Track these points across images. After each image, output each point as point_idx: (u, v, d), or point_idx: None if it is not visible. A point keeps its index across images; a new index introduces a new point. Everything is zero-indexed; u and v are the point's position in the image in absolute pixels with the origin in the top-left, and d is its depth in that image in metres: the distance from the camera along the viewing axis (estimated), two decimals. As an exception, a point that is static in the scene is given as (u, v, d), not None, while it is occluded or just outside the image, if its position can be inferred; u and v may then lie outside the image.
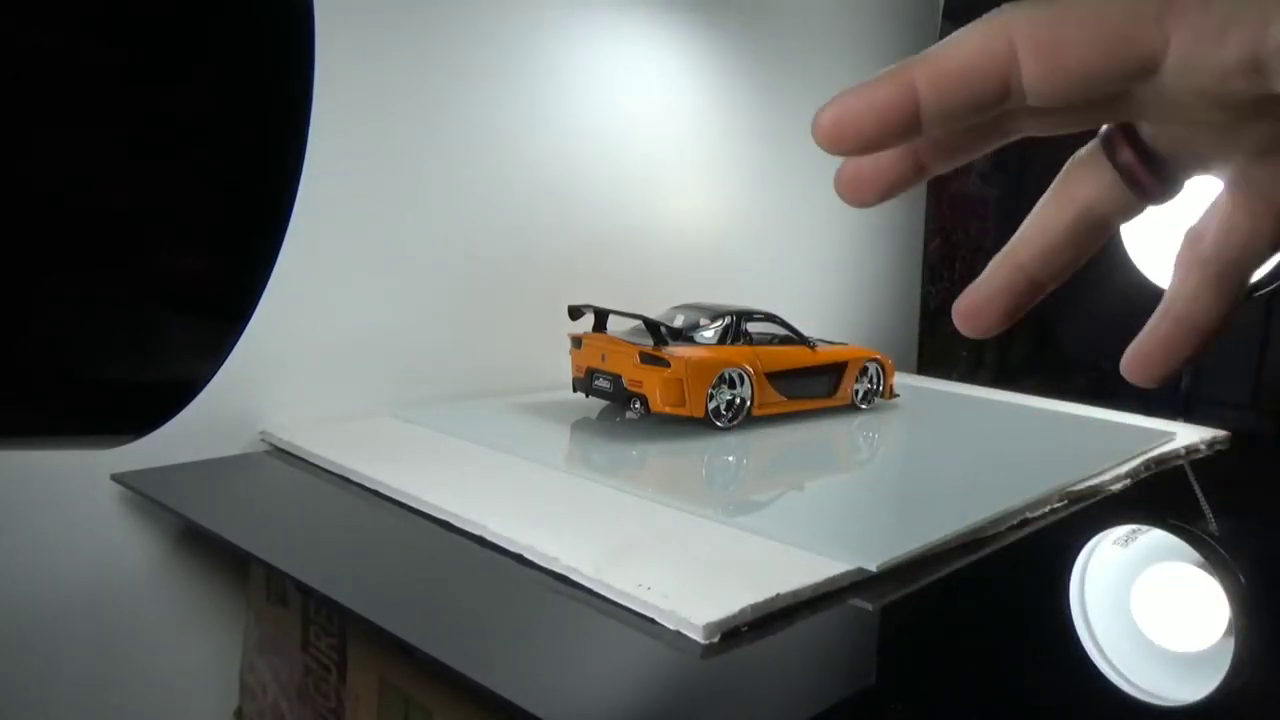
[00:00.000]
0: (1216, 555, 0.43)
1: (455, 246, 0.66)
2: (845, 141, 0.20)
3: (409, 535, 0.41)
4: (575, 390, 0.62)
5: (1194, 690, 0.32)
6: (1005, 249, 0.24)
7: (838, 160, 0.25)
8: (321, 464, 0.49)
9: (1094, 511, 0.50)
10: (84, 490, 0.49)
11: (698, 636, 0.30)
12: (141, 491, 0.45)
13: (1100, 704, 0.30)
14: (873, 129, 0.20)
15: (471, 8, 0.65)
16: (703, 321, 0.61)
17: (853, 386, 0.68)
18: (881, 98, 0.20)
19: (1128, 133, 0.22)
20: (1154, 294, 0.24)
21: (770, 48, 0.90)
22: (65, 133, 0.16)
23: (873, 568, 0.36)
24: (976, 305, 0.25)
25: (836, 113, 0.20)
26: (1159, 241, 0.84)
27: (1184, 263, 0.23)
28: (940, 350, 1.12)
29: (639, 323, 0.59)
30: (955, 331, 0.27)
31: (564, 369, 0.62)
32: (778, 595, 0.32)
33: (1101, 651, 0.33)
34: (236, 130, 0.20)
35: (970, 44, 0.19)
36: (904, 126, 0.20)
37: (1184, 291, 0.23)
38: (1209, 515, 0.52)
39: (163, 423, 0.21)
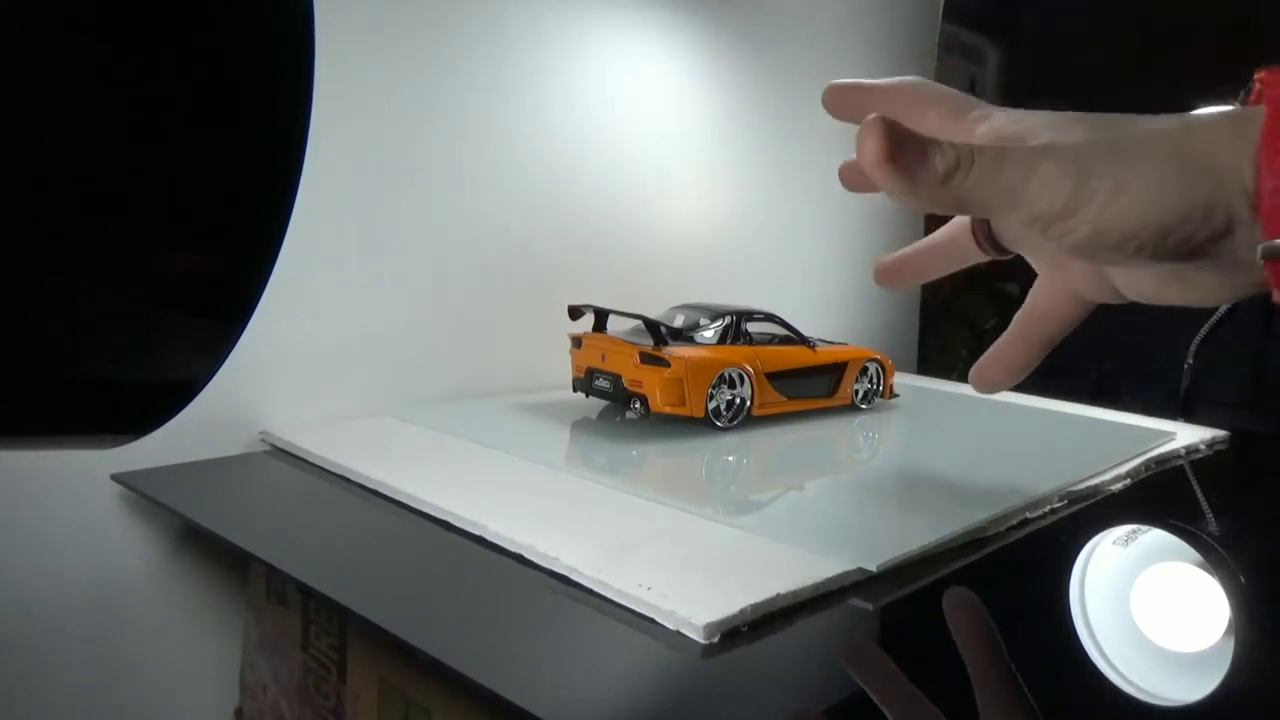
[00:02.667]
0: (1216, 555, 0.43)
1: (455, 246, 0.66)
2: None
3: (409, 535, 0.41)
4: (575, 390, 0.62)
5: (1194, 690, 0.32)
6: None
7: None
8: (321, 464, 0.49)
9: (1094, 511, 0.50)
10: (84, 490, 0.49)
11: (698, 636, 0.30)
12: (141, 491, 0.46)
13: (1100, 704, 0.30)
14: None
15: (471, 7, 0.65)
16: (703, 321, 0.61)
17: (853, 386, 0.68)
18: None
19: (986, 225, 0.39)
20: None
21: (770, 47, 0.90)
22: (64, 133, 0.16)
23: (873, 568, 0.36)
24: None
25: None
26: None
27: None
28: (940, 350, 1.12)
29: (639, 323, 0.59)
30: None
31: (564, 369, 0.62)
32: (778, 595, 0.32)
33: (1101, 651, 0.33)
34: (237, 130, 0.20)
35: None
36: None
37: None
38: (1209, 515, 0.52)
39: (163, 423, 0.21)
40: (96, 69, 0.16)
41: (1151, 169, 0.27)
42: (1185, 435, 0.68)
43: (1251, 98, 0.28)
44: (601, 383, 0.59)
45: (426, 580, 0.37)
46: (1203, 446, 0.68)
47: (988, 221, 0.38)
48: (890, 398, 0.71)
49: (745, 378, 0.59)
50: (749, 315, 0.62)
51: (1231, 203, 0.26)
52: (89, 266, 0.18)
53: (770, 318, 0.64)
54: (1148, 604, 0.38)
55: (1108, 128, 0.29)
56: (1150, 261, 0.28)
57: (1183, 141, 0.27)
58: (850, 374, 0.68)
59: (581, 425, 0.61)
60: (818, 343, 0.66)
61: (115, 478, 0.47)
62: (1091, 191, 0.27)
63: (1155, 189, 0.27)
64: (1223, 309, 0.84)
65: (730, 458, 0.55)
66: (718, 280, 0.86)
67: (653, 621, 0.31)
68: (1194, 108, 0.89)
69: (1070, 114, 0.30)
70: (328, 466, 0.49)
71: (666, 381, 0.55)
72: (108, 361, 0.20)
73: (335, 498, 0.45)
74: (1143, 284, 0.34)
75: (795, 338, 0.65)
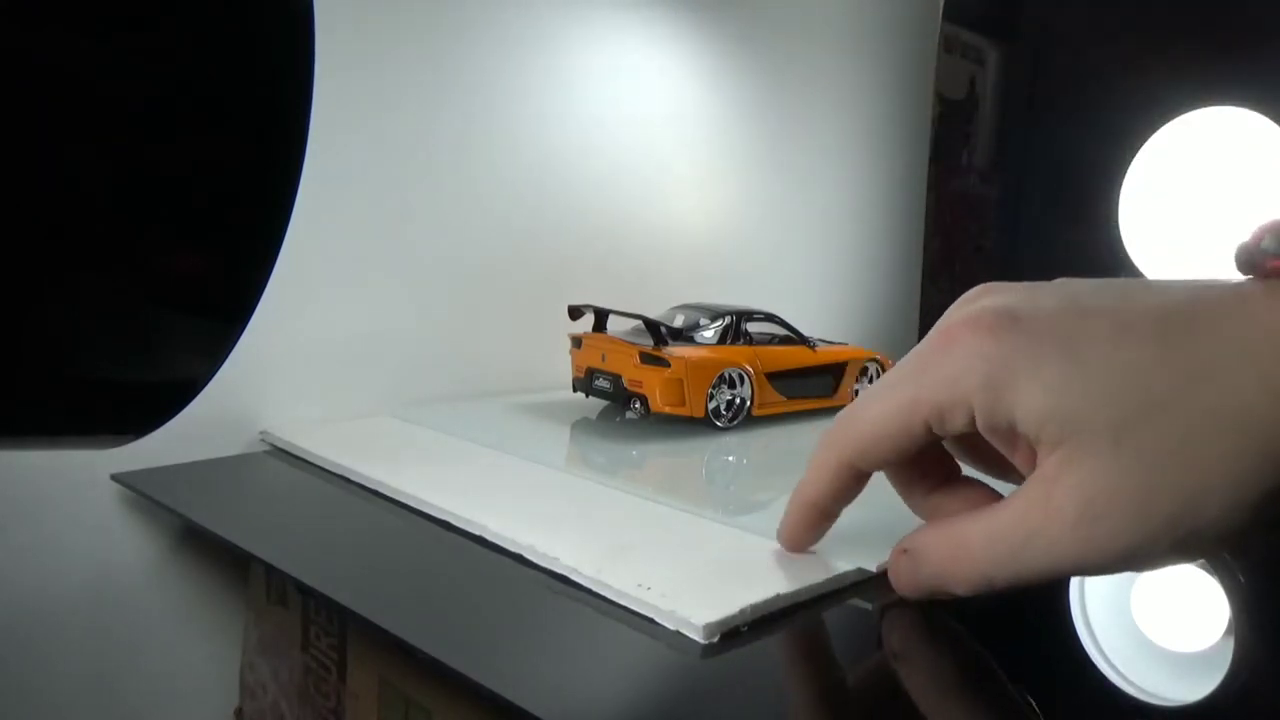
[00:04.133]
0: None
1: (455, 246, 0.66)
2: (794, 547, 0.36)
3: (409, 535, 0.41)
4: (575, 390, 0.62)
5: (1194, 690, 0.32)
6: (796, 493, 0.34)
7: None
8: (321, 464, 0.49)
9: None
10: (84, 490, 0.49)
11: (697, 636, 0.30)
12: (141, 491, 0.46)
13: (1100, 704, 0.30)
14: (801, 540, 0.36)
15: (471, 8, 0.65)
16: (703, 321, 0.61)
17: (853, 386, 0.68)
18: (794, 521, 0.35)
19: None
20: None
21: (771, 48, 0.90)
22: (64, 133, 0.16)
23: (872, 568, 0.36)
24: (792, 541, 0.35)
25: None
26: (1159, 243, 0.84)
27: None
28: (940, 350, 1.11)
29: (639, 323, 0.59)
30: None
31: (564, 369, 0.62)
32: (778, 595, 0.32)
33: (1101, 651, 0.33)
34: (236, 130, 0.20)
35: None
36: (821, 523, 0.35)
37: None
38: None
39: (163, 423, 0.21)
40: (96, 69, 0.16)
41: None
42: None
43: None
44: (601, 383, 0.59)
45: (426, 580, 0.37)
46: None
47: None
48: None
49: (745, 378, 0.59)
50: (749, 315, 0.62)
51: None
52: (89, 266, 0.18)
53: (770, 318, 0.64)
54: (1148, 604, 0.38)
55: None
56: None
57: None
58: (850, 374, 0.68)
59: (581, 425, 0.61)
60: (818, 343, 0.66)
61: (115, 478, 0.47)
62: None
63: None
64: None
65: (730, 458, 0.55)
66: (718, 280, 0.86)
67: (653, 621, 0.31)
68: (1193, 107, 0.88)
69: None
70: (328, 466, 0.49)
71: (666, 381, 0.55)
72: (108, 361, 0.20)
73: (335, 498, 0.45)
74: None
75: (795, 338, 0.65)
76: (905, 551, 0.32)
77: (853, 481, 0.32)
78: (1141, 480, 0.24)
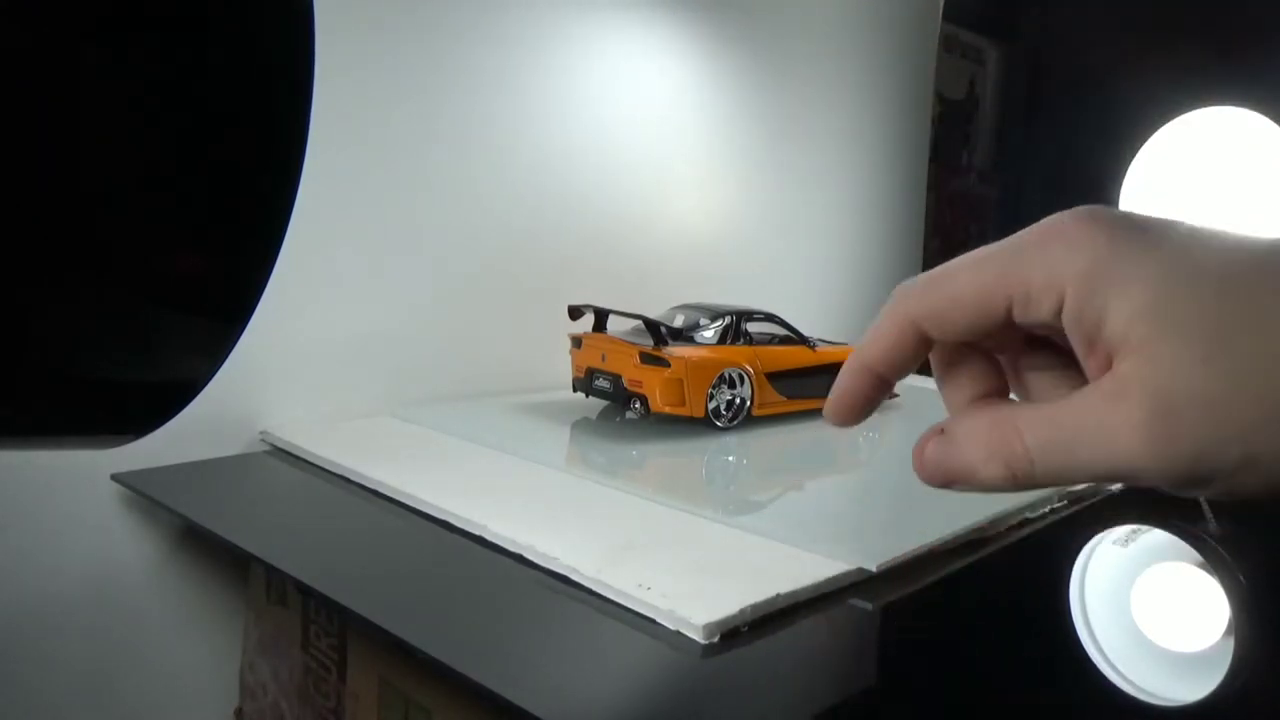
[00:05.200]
0: (1216, 555, 0.43)
1: (455, 247, 0.66)
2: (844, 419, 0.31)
3: (409, 535, 0.41)
4: (575, 390, 0.62)
5: (1194, 690, 0.32)
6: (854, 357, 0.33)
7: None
8: (321, 464, 0.49)
9: (1094, 511, 0.50)
10: (84, 490, 0.49)
11: (697, 636, 0.30)
12: (141, 491, 0.46)
13: (1100, 704, 0.30)
14: (851, 410, 0.30)
15: (471, 9, 0.65)
16: (703, 321, 0.61)
17: (853, 386, 0.68)
18: (847, 387, 0.30)
19: None
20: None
21: (771, 48, 0.90)
22: (64, 134, 0.16)
23: (873, 568, 0.36)
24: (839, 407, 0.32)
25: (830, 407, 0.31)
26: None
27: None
28: (940, 350, 1.11)
29: (639, 323, 0.59)
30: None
31: (564, 369, 0.62)
32: (778, 595, 0.32)
33: (1101, 651, 0.33)
34: (236, 132, 0.20)
35: (886, 330, 0.29)
36: (875, 393, 0.30)
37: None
38: (1209, 515, 0.52)
39: (163, 423, 0.22)
40: (96, 71, 0.16)
41: None
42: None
43: None
44: (601, 383, 0.59)
45: (426, 580, 0.37)
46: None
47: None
48: (890, 397, 0.71)
49: (745, 378, 0.59)
50: (749, 315, 0.62)
51: None
52: (89, 267, 0.18)
53: (770, 318, 0.64)
54: (1148, 604, 0.38)
55: None
56: None
57: None
58: (850, 374, 0.67)
59: (581, 425, 0.61)
60: (818, 343, 0.66)
61: (115, 478, 0.47)
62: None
63: None
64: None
65: (730, 458, 0.55)
66: (718, 280, 0.86)
67: (653, 621, 0.31)
68: (1193, 107, 0.88)
69: None
70: (328, 466, 0.49)
71: (666, 381, 0.55)
72: (108, 362, 0.20)
73: (335, 498, 0.45)
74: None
75: (795, 338, 0.65)
76: (941, 433, 0.30)
77: (916, 346, 0.30)
78: (1227, 388, 0.23)
